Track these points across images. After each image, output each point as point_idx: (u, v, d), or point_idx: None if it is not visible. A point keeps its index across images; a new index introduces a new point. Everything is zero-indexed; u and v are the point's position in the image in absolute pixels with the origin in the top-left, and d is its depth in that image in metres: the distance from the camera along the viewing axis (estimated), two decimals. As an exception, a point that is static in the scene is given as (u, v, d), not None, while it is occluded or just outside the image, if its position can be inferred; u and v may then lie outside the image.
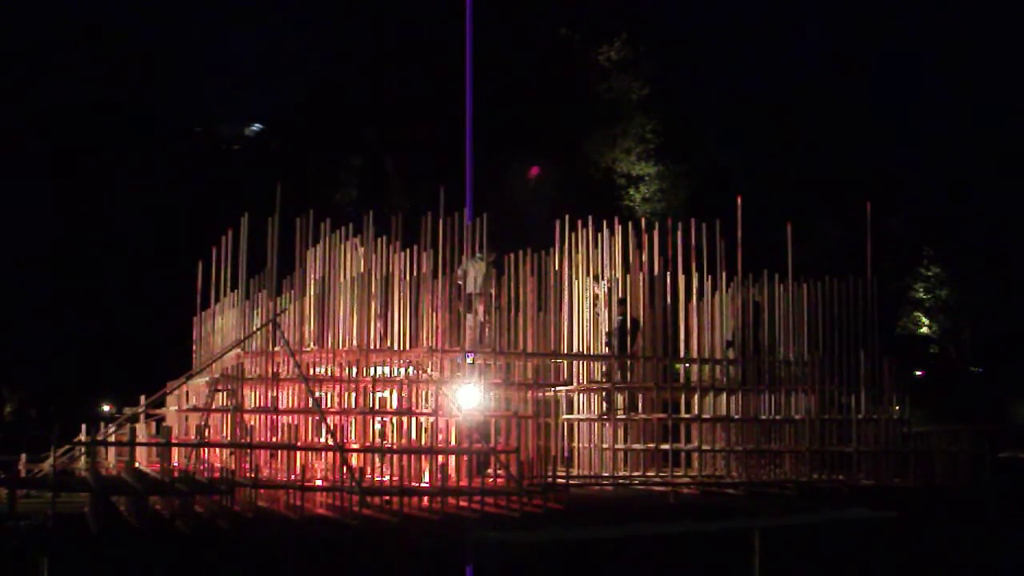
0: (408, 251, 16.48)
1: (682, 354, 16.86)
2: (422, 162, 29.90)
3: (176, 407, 17.12)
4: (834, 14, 41.74)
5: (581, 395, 17.31)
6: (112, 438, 15.44)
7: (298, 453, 13.98)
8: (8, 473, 12.91)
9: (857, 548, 11.21)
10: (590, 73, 33.53)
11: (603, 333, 17.32)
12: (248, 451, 13.78)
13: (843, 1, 41.88)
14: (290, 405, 15.40)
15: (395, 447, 14.32)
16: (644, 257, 17.00)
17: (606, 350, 17.17)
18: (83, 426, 15.42)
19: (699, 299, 17.13)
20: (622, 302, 16.93)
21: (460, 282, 16.08)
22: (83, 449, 14.64)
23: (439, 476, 12.86)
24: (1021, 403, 32.76)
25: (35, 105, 31.53)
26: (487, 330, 16.12)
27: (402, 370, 15.82)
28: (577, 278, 17.51)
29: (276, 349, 15.39)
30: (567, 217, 17.71)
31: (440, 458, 13.66)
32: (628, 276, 17.08)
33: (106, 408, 28.18)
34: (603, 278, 17.41)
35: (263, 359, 15.58)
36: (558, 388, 16.50)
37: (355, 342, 15.13)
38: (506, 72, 29.95)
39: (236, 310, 16.65)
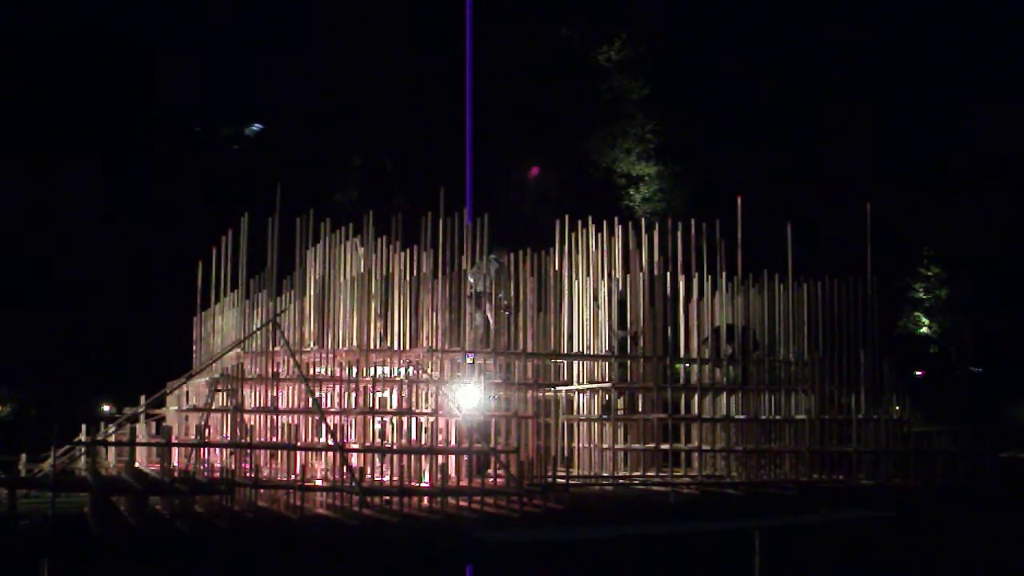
0: (408, 251, 16.48)
1: (682, 354, 16.86)
2: (422, 162, 29.89)
3: (176, 407, 17.13)
4: (834, 14, 41.74)
5: (581, 395, 17.30)
6: (112, 438, 15.44)
7: (298, 453, 13.98)
8: (8, 473, 12.90)
9: (857, 548, 11.22)
10: (590, 73, 33.51)
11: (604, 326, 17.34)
12: (248, 451, 13.79)
13: (843, 2, 41.91)
14: (290, 405, 15.41)
15: (395, 447, 14.32)
16: (644, 257, 17.02)
17: (606, 346, 17.20)
18: (83, 426, 15.42)
19: (699, 299, 17.14)
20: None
21: (472, 280, 16.11)
22: (83, 449, 14.64)
23: (439, 476, 12.86)
24: (1021, 403, 32.74)
25: (34, 101, 31.50)
26: (491, 330, 16.12)
27: (402, 370, 15.82)
28: (577, 278, 17.52)
29: (276, 349, 15.40)
30: (567, 217, 17.73)
31: (440, 458, 13.66)
32: (628, 276, 17.08)
33: (106, 408, 28.13)
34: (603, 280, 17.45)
35: (263, 359, 15.59)
36: (558, 388, 16.49)
37: (355, 342, 15.14)
38: (506, 72, 29.95)
39: (236, 310, 16.65)
